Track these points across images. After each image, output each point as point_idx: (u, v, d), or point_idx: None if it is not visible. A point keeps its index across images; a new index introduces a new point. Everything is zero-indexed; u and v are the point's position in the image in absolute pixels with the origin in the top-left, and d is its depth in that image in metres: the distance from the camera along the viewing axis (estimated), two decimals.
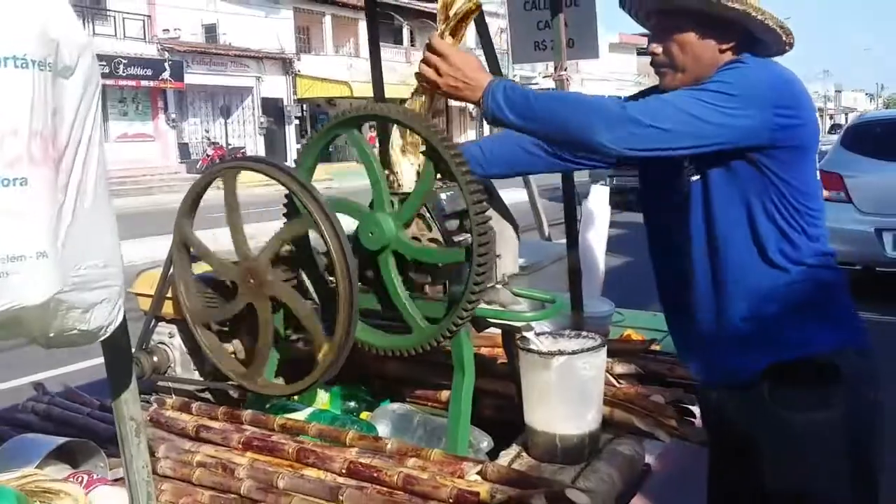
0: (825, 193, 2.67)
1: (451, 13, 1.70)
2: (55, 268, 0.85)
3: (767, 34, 1.61)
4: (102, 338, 0.94)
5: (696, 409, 1.91)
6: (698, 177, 1.63)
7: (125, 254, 1.00)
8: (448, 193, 1.84)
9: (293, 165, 1.83)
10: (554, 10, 2.49)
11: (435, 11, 1.76)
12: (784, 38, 1.61)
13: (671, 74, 1.66)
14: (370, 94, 3.00)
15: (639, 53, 37.88)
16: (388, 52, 31.45)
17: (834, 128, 46.24)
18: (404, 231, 1.74)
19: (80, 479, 1.46)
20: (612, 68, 36.78)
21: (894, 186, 6.51)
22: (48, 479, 1.40)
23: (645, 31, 1.78)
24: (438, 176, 1.72)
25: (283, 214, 1.88)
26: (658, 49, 1.67)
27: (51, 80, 0.85)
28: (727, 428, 1.74)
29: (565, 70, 2.50)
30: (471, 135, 26.62)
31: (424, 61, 1.68)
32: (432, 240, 1.79)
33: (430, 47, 1.66)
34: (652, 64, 1.71)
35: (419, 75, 1.70)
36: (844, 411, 1.59)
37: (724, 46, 1.63)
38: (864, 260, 6.43)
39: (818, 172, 1.67)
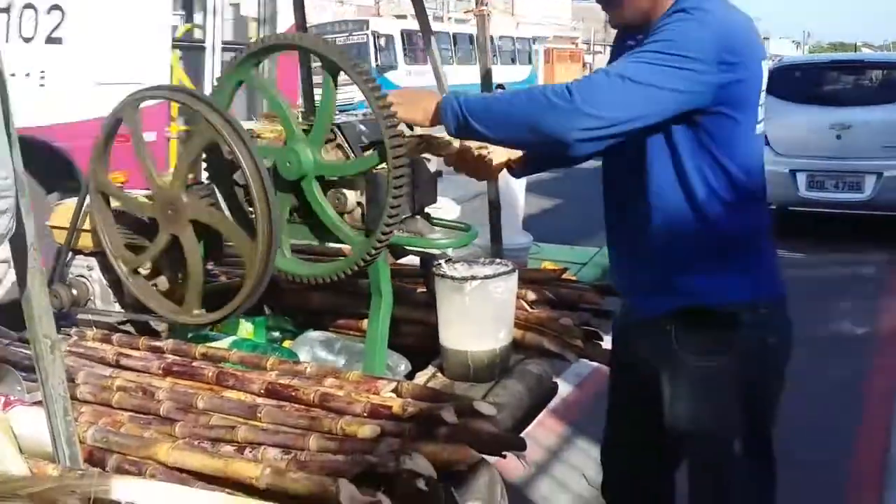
0: None
1: None
2: None
3: None
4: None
5: (603, 333, 2.01)
6: None
7: None
8: (367, 125, 1.88)
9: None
10: None
11: None
12: None
13: (618, 10, 1.62)
14: None
15: None
16: None
17: None
18: (320, 154, 1.76)
19: None
20: (548, 12, 36.66)
21: (808, 129, 6.81)
22: None
23: None
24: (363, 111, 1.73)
25: (204, 160, 1.86)
26: None
27: None
28: (634, 361, 1.79)
29: (485, 6, 2.53)
30: None
31: None
32: None
33: None
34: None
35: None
36: (742, 359, 1.61)
37: None
38: (778, 199, 6.68)
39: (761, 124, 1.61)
